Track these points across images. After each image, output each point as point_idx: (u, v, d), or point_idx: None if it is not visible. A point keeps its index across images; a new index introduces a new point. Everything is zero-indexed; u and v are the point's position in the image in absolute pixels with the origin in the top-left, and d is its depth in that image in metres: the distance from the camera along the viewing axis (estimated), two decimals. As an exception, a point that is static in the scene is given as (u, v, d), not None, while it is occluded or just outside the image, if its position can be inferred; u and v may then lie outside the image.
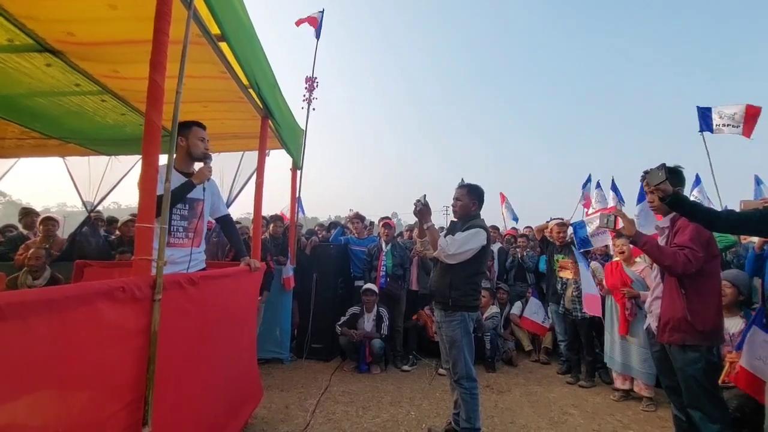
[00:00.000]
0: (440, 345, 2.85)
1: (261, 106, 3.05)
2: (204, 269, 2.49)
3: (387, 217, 5.41)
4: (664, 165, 2.06)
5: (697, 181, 6.64)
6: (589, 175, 7.61)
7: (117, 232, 5.26)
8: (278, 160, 4.78)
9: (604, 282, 3.93)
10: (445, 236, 2.76)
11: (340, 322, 4.52)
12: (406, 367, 4.48)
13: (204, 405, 2.10)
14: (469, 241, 2.63)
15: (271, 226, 4.93)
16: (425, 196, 2.77)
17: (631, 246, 3.68)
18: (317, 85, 5.86)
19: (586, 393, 3.85)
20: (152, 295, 1.48)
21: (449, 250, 2.60)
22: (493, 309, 4.85)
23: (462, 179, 2.96)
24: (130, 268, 1.51)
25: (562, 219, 4.77)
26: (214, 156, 4.32)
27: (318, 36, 6.02)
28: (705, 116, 5.48)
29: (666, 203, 2.09)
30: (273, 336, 4.57)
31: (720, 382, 2.40)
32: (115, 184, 4.70)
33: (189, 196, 2.36)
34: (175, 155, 1.81)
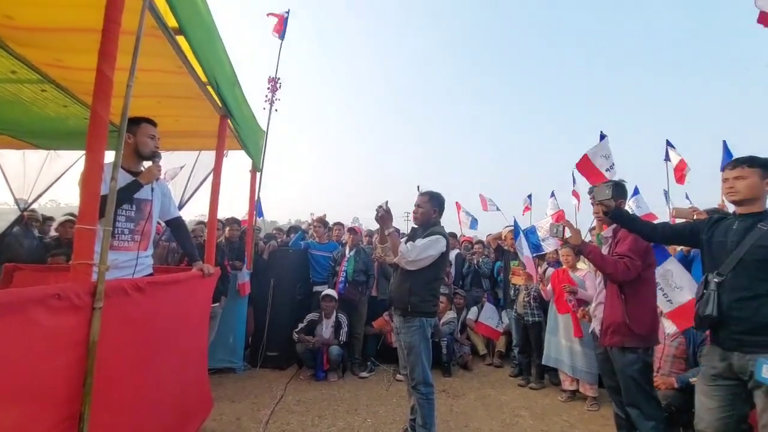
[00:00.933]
0: (398, 351, 2.87)
1: (220, 105, 2.94)
2: (151, 275, 2.35)
3: (338, 223, 5.40)
4: (610, 183, 2.24)
5: (635, 191, 7.22)
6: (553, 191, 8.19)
7: (54, 233, 4.83)
8: (237, 161, 4.62)
9: (549, 287, 4.14)
10: (406, 242, 2.80)
11: (297, 329, 4.42)
12: (363, 374, 4.45)
13: (148, 419, 1.97)
14: (429, 248, 2.67)
15: (227, 229, 4.75)
16: (387, 202, 2.80)
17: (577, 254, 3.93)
18: (280, 86, 5.76)
19: (536, 395, 4.02)
20: (92, 303, 1.36)
21: (410, 256, 2.63)
22: (450, 314, 4.95)
23: (418, 186, 3.01)
24: (68, 273, 1.39)
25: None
26: (168, 155, 4.12)
27: (282, 37, 5.94)
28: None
29: (608, 217, 2.28)
30: (225, 344, 4.38)
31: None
32: (54, 180, 4.31)
33: (137, 196, 2.22)
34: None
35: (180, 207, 4.99)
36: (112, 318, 1.50)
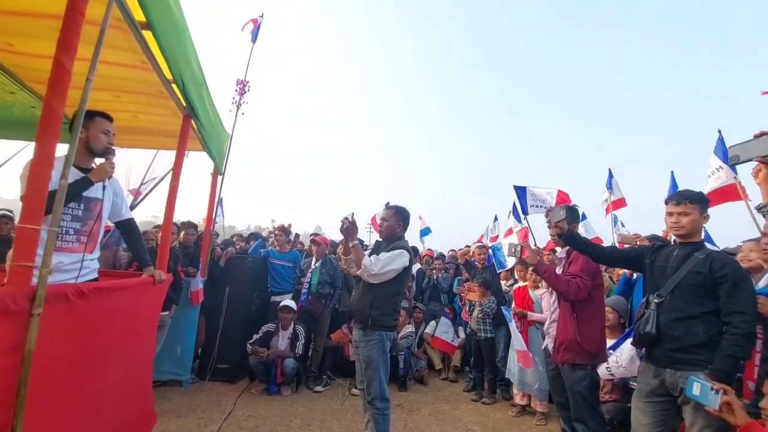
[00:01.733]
0: (356, 364, 2.85)
1: (184, 104, 2.83)
2: (96, 279, 2.19)
3: (316, 234, 5.31)
4: (564, 206, 2.39)
5: (583, 216, 7.70)
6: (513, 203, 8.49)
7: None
8: (197, 163, 4.44)
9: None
10: (369, 255, 2.80)
11: (252, 340, 4.26)
12: (318, 388, 4.36)
13: (83, 436, 1.81)
14: (393, 262, 2.70)
15: (182, 233, 4.53)
16: (353, 214, 2.80)
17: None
18: (248, 89, 5.63)
19: (489, 409, 4.11)
20: (30, 309, 1.25)
21: (373, 270, 2.64)
22: (409, 328, 4.98)
23: (388, 202, 3.05)
24: (2, 275, 1.27)
25: (483, 243, 5.18)
26: (123, 151, 3.88)
27: (254, 40, 5.84)
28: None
29: (562, 239, 2.43)
30: (173, 355, 4.13)
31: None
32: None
33: (86, 194, 2.08)
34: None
35: (132, 207, 4.72)
36: (52, 325, 1.38)
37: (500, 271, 4.79)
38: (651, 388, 2.10)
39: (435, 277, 6.12)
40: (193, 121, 3.03)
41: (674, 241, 2.26)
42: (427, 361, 5.30)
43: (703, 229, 2.21)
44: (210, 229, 4.49)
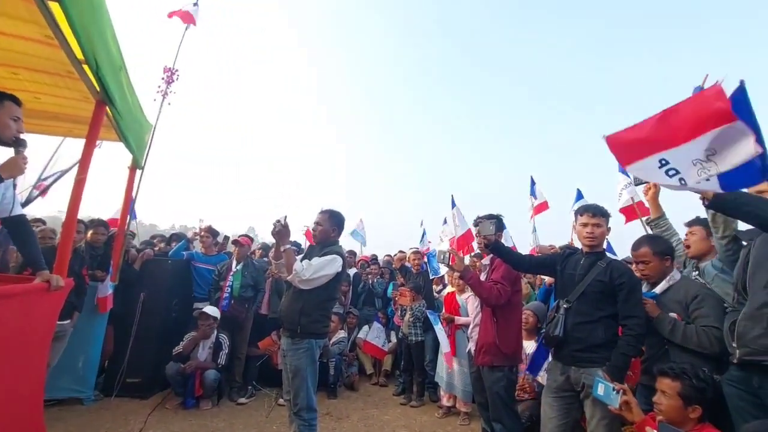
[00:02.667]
0: (283, 374, 2.75)
1: (98, 89, 2.55)
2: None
3: (246, 235, 5.05)
4: (493, 218, 2.54)
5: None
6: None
7: None
8: (112, 154, 4.01)
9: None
10: (302, 260, 2.74)
11: (176, 351, 3.93)
12: (242, 400, 4.13)
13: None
14: (325, 267, 2.65)
15: (90, 232, 4.04)
16: (286, 217, 2.71)
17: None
18: (177, 78, 5.24)
19: (416, 412, 4.20)
20: None
21: (304, 275, 2.57)
22: (341, 334, 4.94)
23: (323, 208, 3.01)
24: None
25: (418, 248, 5.32)
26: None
27: (187, 27, 5.46)
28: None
29: (488, 249, 2.60)
30: (73, 369, 3.65)
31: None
32: None
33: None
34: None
35: (27, 202, 4.13)
36: None
37: (433, 277, 4.96)
38: (558, 385, 2.32)
39: (370, 282, 6.16)
40: (108, 108, 2.73)
41: (581, 250, 2.50)
42: (359, 366, 5.30)
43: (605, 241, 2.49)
44: (124, 229, 4.07)
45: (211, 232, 4.95)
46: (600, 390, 2.00)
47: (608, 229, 2.44)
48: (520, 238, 7.13)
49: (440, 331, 4.05)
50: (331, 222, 2.91)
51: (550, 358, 2.76)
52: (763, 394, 1.75)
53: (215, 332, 4.12)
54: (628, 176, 4.62)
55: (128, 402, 3.83)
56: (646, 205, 3.87)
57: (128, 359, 3.99)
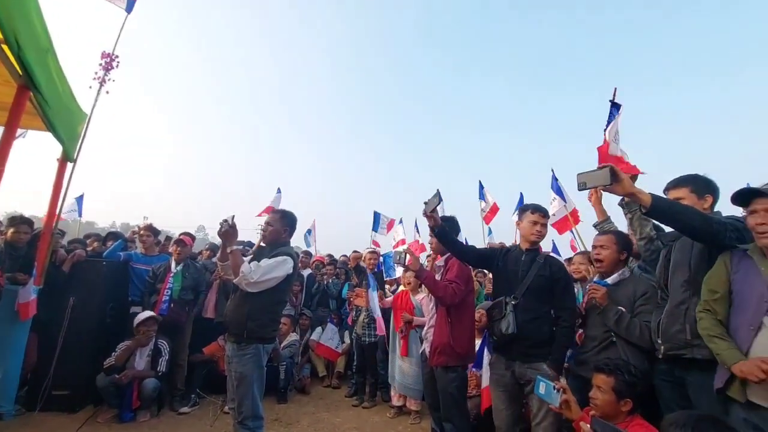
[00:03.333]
0: (228, 381, 2.63)
1: (20, 72, 2.30)
2: None
3: (187, 233, 4.77)
4: (438, 194, 2.48)
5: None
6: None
7: None
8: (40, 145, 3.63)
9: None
10: (250, 261, 2.64)
11: (109, 360, 3.63)
12: (184, 409, 3.91)
13: None
14: (275, 269, 2.58)
15: (10, 231, 3.64)
16: (233, 216, 2.61)
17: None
18: (117, 65, 4.85)
19: (368, 413, 4.20)
20: None
21: (252, 278, 2.48)
22: (293, 337, 4.83)
23: (274, 207, 2.93)
24: None
25: (375, 248, 5.33)
26: None
27: (129, 9, 5.08)
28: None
29: (435, 233, 2.64)
30: (-12, 382, 3.27)
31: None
32: None
33: None
34: None
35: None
36: None
37: (387, 279, 4.99)
38: (504, 380, 2.45)
39: (325, 283, 6.09)
40: (32, 94, 2.47)
41: (519, 246, 2.64)
42: (311, 369, 5.21)
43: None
44: (52, 227, 3.71)
45: (152, 230, 4.63)
46: (542, 389, 2.08)
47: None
48: (477, 243, 7.39)
49: (373, 299, 4.15)
50: (283, 222, 2.84)
51: (486, 352, 2.87)
52: (685, 384, 1.93)
53: (153, 338, 3.86)
54: (557, 193, 4.87)
55: (54, 417, 3.50)
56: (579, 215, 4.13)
57: (54, 370, 3.64)
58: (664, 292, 2.12)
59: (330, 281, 6.10)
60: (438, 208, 2.54)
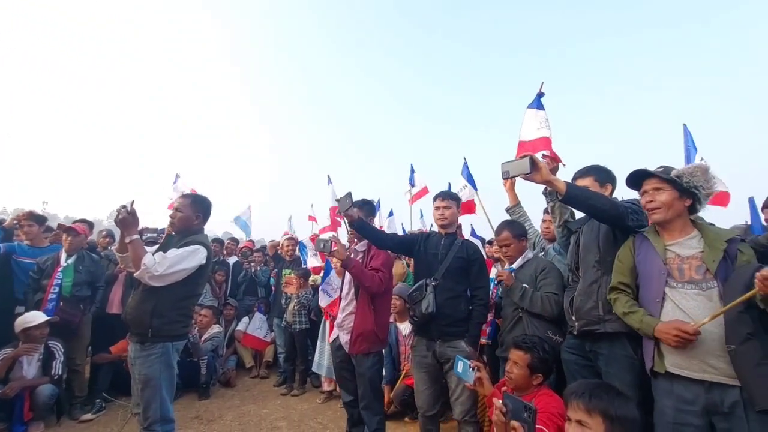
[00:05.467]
0: (132, 384, 2.37)
1: None
2: None
3: (83, 220, 4.18)
4: (349, 193, 2.52)
5: (390, 213, 8.55)
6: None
7: None
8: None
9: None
10: (155, 252, 2.36)
11: None
12: (87, 416, 3.52)
13: None
14: (185, 260, 2.33)
15: None
16: (133, 202, 2.30)
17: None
18: None
19: (297, 401, 4.12)
20: None
21: (157, 270, 2.21)
22: (215, 329, 4.55)
23: (183, 192, 2.65)
24: None
25: (292, 235, 5.14)
26: None
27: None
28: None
29: (354, 227, 2.64)
30: None
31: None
32: None
33: None
34: None
35: None
36: None
37: (305, 267, 4.90)
38: (425, 360, 2.52)
39: (253, 270, 5.82)
40: None
41: (438, 231, 2.74)
42: (238, 360, 4.98)
43: (458, 222, 2.82)
44: None
45: (35, 218, 3.94)
46: (459, 368, 2.19)
47: (458, 212, 2.75)
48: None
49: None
50: (194, 208, 2.56)
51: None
52: (593, 357, 2.10)
53: (44, 341, 3.36)
54: (468, 181, 5.13)
55: None
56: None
57: None
58: (575, 274, 2.28)
59: (259, 269, 5.84)
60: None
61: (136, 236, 2.28)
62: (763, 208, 3.46)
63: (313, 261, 4.82)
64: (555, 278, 2.56)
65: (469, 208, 4.98)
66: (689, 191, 1.69)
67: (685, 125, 4.11)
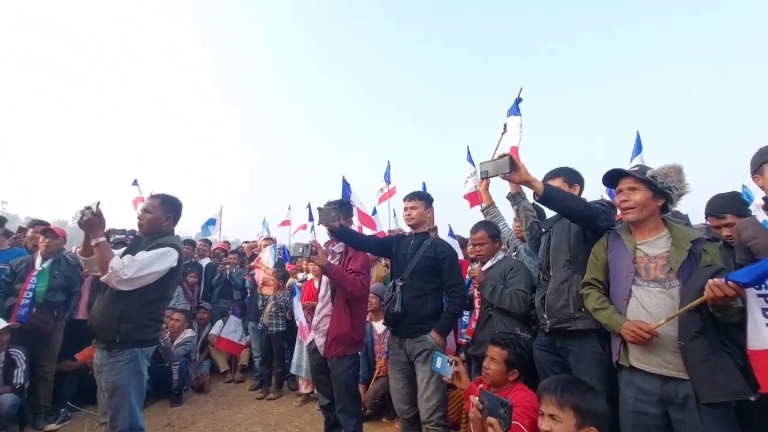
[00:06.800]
0: (98, 393, 2.27)
1: None
2: None
3: (39, 222, 3.97)
4: (336, 206, 2.55)
5: (374, 210, 8.55)
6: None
7: None
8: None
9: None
10: (123, 255, 2.27)
11: None
12: (51, 426, 3.37)
13: None
14: (155, 263, 2.26)
15: None
16: (99, 203, 2.21)
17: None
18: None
19: (273, 405, 4.06)
20: None
21: (125, 274, 2.13)
22: (188, 333, 4.42)
23: (152, 192, 2.56)
24: None
25: (270, 236, 5.06)
26: None
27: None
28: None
29: (335, 235, 2.70)
30: None
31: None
32: None
33: None
34: None
35: None
36: None
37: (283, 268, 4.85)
38: (398, 358, 2.55)
39: (228, 272, 5.68)
40: None
41: (411, 233, 2.78)
42: (212, 365, 4.86)
43: (428, 221, 2.80)
44: None
45: (-1, 220, 3.78)
46: (438, 363, 2.19)
47: (429, 211, 2.76)
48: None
49: (297, 301, 4.04)
50: (164, 209, 2.48)
51: None
52: (564, 353, 2.16)
53: (5, 349, 3.19)
54: (474, 165, 5.17)
55: None
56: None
57: None
58: (546, 273, 2.33)
59: (234, 270, 5.71)
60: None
61: (102, 239, 2.18)
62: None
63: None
64: (523, 276, 2.64)
65: (473, 199, 4.91)
66: (663, 191, 1.75)
67: (638, 131, 4.72)
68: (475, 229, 2.91)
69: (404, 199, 2.76)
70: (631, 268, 1.78)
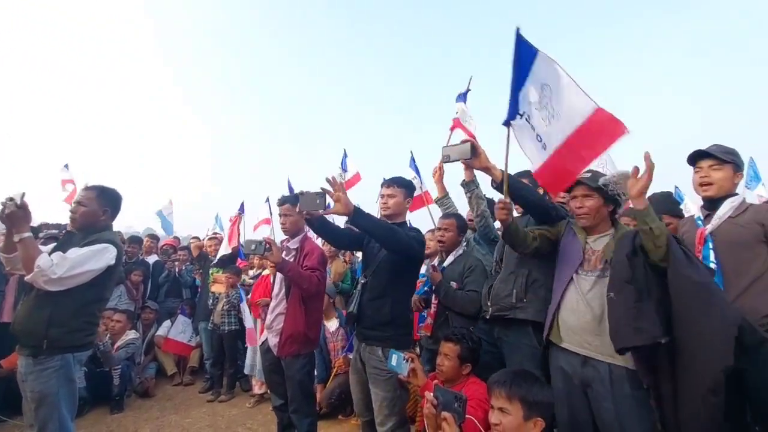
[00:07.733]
0: (24, 403, 2.06)
1: None
2: None
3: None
4: (323, 194, 2.14)
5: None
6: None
7: None
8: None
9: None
10: (52, 252, 2.06)
11: None
12: (-33, 442, 3.01)
13: None
14: (90, 260, 2.07)
15: None
16: (24, 194, 1.98)
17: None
18: None
19: (224, 407, 3.90)
20: None
21: (55, 273, 1.94)
22: (131, 335, 4.13)
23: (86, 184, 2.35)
24: None
25: (217, 234, 4.88)
26: None
27: None
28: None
29: (314, 228, 2.39)
30: None
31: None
32: None
33: None
34: None
35: None
36: None
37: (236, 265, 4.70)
38: (355, 363, 2.37)
39: (177, 270, 5.37)
40: None
41: None
42: (158, 368, 4.58)
43: (404, 212, 2.47)
44: None
45: None
46: (393, 361, 2.13)
47: (407, 201, 2.42)
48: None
49: (245, 307, 3.93)
50: (101, 201, 2.28)
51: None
52: (499, 344, 2.23)
53: None
54: (416, 171, 5.13)
55: None
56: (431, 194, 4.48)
57: None
58: (499, 265, 2.40)
59: (183, 268, 5.42)
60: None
61: (27, 234, 1.97)
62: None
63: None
64: (478, 276, 2.64)
65: (420, 202, 4.91)
66: (614, 198, 1.88)
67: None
68: (447, 215, 2.92)
69: (381, 185, 2.45)
70: (579, 257, 1.90)
